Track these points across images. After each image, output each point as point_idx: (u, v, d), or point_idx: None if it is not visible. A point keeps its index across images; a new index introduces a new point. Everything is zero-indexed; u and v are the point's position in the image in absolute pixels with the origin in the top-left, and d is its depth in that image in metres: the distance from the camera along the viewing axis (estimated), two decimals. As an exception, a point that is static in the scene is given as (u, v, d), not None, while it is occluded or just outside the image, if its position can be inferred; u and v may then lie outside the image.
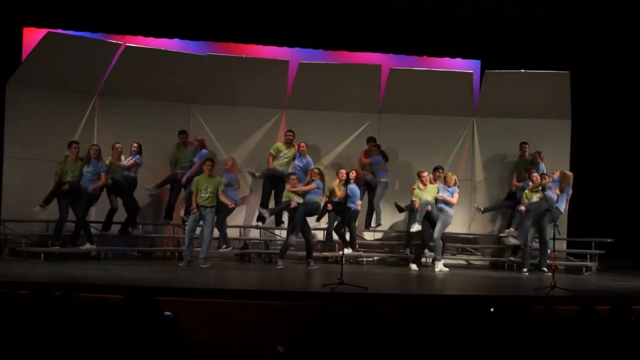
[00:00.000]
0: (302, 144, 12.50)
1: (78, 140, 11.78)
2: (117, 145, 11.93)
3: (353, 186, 11.62)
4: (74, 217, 11.48)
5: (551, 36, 13.69)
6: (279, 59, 13.13)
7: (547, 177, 11.90)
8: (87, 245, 11.55)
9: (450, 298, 9.01)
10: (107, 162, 11.80)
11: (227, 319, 7.72)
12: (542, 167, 12.54)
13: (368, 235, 13.23)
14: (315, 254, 11.69)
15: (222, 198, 11.29)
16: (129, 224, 12.10)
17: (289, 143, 12.61)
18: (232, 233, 12.53)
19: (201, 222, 11.24)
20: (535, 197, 11.70)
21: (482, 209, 12.76)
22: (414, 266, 11.81)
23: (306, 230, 11.40)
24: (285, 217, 11.88)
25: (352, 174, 11.65)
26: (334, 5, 13.31)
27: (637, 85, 13.82)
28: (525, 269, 11.81)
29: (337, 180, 11.87)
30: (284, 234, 11.97)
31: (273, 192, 12.55)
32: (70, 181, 11.35)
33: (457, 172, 12.70)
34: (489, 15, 13.53)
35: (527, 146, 12.94)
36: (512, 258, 12.57)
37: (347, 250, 11.93)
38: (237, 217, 12.73)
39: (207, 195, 11.11)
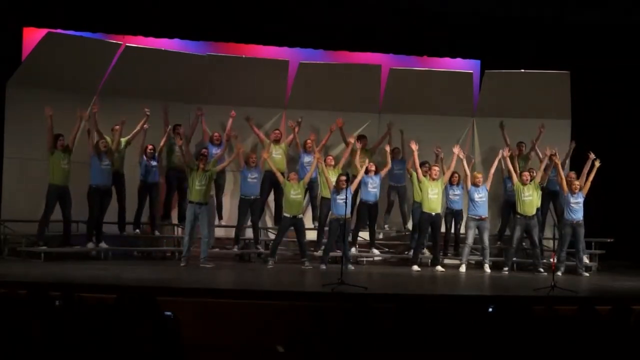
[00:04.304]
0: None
1: (77, 140, 11.77)
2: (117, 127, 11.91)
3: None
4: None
5: (551, 36, 13.69)
6: (279, 59, 13.13)
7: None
8: (103, 244, 11.71)
9: (450, 298, 9.01)
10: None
11: (227, 319, 7.72)
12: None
13: (366, 235, 13.21)
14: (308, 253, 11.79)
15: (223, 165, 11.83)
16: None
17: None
18: (230, 232, 12.57)
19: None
20: (528, 191, 11.81)
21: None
22: (415, 267, 11.85)
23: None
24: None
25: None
26: (334, 5, 13.31)
27: (637, 85, 13.81)
28: (506, 269, 11.99)
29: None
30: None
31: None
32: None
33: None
34: (489, 15, 13.54)
35: (523, 145, 13.04)
36: (514, 258, 12.57)
37: (352, 250, 12.16)
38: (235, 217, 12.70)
39: (201, 188, 11.10)
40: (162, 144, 12.41)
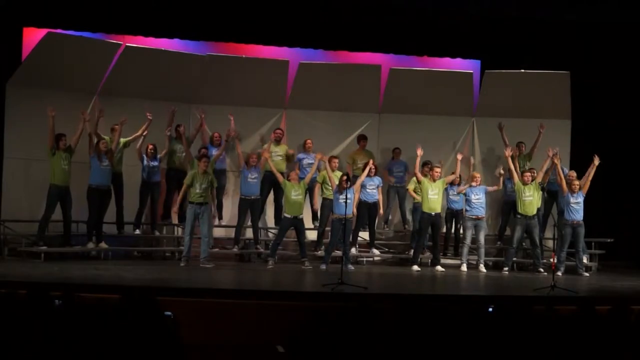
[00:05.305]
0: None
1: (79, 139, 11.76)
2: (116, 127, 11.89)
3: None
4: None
5: (551, 36, 13.70)
6: (279, 59, 13.14)
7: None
8: (103, 244, 11.72)
9: (450, 298, 9.01)
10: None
11: (227, 319, 7.72)
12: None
13: (366, 235, 13.23)
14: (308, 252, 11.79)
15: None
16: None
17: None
18: (230, 232, 12.57)
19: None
20: (529, 191, 11.83)
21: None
22: (415, 267, 11.86)
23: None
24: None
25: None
26: (334, 5, 13.31)
27: (637, 85, 13.81)
28: (506, 269, 12.02)
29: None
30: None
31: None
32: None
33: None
34: (489, 15, 13.55)
35: (523, 145, 13.03)
36: (515, 258, 12.57)
37: (352, 250, 12.15)
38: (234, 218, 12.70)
39: (202, 191, 11.10)
40: (165, 150, 12.36)
